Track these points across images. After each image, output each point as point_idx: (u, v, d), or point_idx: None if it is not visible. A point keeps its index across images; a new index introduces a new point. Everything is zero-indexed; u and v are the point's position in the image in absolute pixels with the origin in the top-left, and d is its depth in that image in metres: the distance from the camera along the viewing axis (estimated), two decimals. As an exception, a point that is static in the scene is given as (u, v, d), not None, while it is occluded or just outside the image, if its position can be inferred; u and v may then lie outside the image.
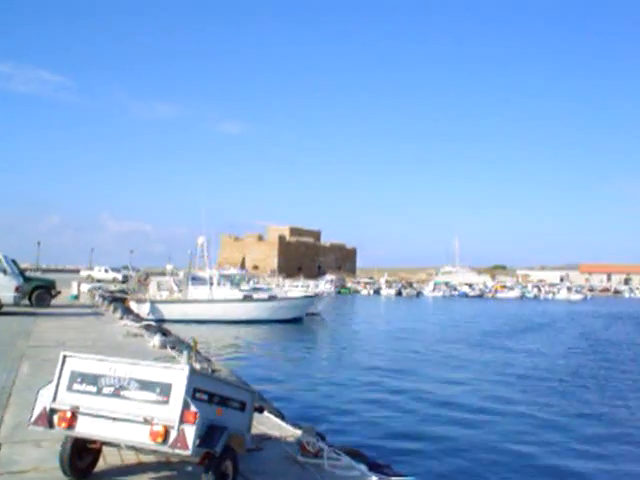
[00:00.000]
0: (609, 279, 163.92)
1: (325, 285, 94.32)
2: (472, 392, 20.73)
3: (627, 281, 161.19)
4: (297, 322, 44.52)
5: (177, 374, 6.56)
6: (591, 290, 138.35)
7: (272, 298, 45.67)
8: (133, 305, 40.04)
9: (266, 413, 11.74)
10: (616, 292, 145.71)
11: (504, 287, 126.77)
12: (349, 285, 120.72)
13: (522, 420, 16.80)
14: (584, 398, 20.24)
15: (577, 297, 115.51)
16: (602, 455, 13.97)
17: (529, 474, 12.48)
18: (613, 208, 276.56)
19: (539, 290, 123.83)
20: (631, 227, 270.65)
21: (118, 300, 40.17)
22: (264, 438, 10.12)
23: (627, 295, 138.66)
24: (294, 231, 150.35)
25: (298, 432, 10.22)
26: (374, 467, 10.23)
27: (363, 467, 9.37)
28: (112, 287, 55.42)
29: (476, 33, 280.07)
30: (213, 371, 14.49)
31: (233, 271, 49.72)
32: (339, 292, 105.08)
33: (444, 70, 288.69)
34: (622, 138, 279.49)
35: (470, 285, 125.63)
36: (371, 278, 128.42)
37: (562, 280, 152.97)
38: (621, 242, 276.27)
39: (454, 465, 12.71)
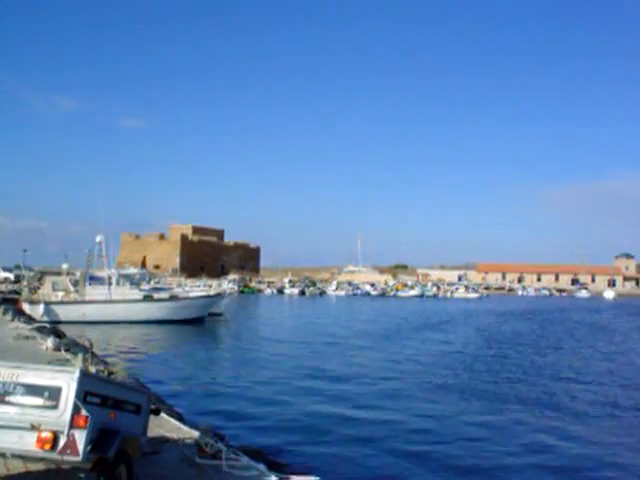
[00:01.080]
0: (504, 278, 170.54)
1: (228, 284, 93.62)
2: (371, 389, 21.08)
3: (520, 280, 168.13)
4: (199, 322, 43.99)
5: (67, 377, 6.33)
6: (487, 288, 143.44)
7: (173, 298, 44.97)
8: (26, 306, 38.49)
9: (164, 415, 11.55)
10: (510, 290, 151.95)
11: (405, 286, 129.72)
12: (252, 284, 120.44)
13: (417, 414, 17.21)
14: (479, 389, 20.98)
15: (474, 295, 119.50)
16: (495, 441, 14.52)
17: (423, 466, 12.78)
18: (508, 210, 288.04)
19: (438, 289, 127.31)
20: (524, 229, 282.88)
21: (9, 301, 38.54)
22: (161, 441, 9.95)
23: (520, 293, 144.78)
24: (197, 230, 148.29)
25: (196, 433, 10.10)
26: (273, 466, 10.24)
27: (262, 466, 9.36)
28: (3, 288, 53.12)
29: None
30: (110, 373, 14.11)
31: (133, 270, 48.42)
32: (242, 291, 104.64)
33: (338, 68, 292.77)
34: (519, 143, 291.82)
35: (372, 284, 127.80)
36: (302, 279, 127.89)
37: (460, 279, 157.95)
38: (515, 243, 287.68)
39: (354, 462, 12.85)
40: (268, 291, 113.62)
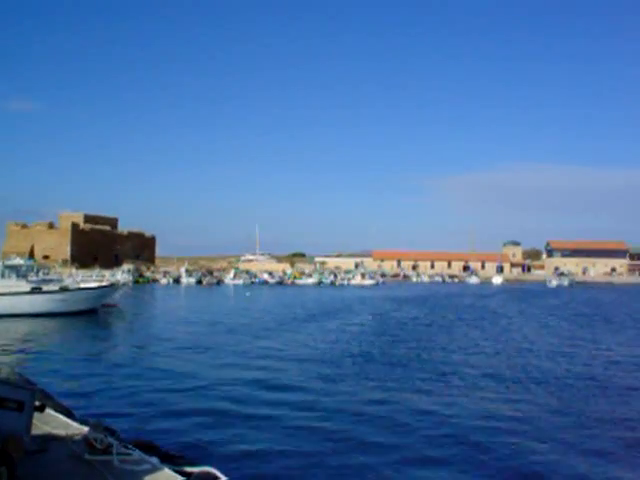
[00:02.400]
0: (399, 265, 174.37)
1: (122, 275, 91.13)
2: (263, 377, 21.09)
3: (415, 267, 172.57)
4: (91, 314, 42.66)
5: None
6: (383, 276, 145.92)
7: (64, 290, 43.36)
8: None
9: (52, 412, 11.13)
10: (405, 277, 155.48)
11: (303, 274, 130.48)
12: (147, 274, 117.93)
13: (308, 399, 17.41)
14: (373, 372, 21.43)
15: (370, 282, 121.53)
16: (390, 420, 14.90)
17: (309, 451, 12.94)
18: (403, 199, 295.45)
19: (335, 276, 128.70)
20: (418, 217, 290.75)
21: None
22: (48, 438, 9.57)
23: (415, 280, 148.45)
24: (89, 218, 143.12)
25: (85, 429, 9.78)
26: (167, 458, 10.06)
27: (155, 460, 9.19)
28: None
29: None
30: (-8, 370, 13.45)
31: (19, 261, 46.25)
32: (137, 282, 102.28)
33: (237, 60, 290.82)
34: (414, 135, 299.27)
35: (270, 273, 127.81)
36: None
37: (357, 266, 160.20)
38: (410, 231, 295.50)
39: (248, 450, 12.83)
40: (164, 281, 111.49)
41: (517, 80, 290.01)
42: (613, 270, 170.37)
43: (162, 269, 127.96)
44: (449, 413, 16.30)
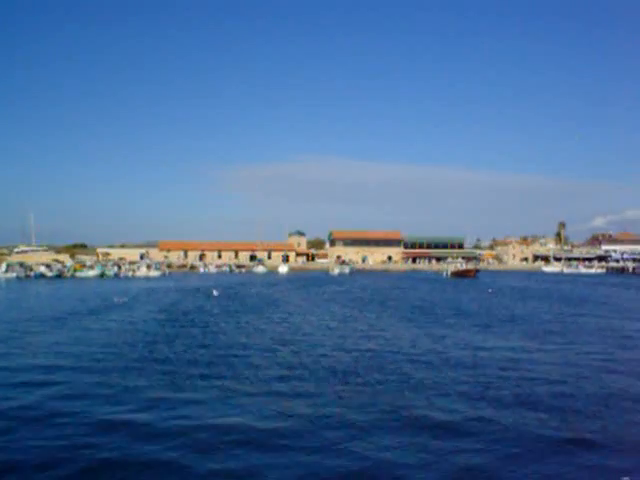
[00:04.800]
0: (186, 256, 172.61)
1: None
2: (49, 382, 19.79)
3: (202, 257, 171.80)
4: None
5: None
6: (170, 266, 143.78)
7: None
8: None
9: None
10: (192, 267, 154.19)
11: (84, 266, 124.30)
12: None
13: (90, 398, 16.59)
14: (148, 371, 20.89)
15: (156, 274, 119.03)
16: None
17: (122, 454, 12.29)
18: (189, 190, 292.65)
19: (120, 268, 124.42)
20: (205, 208, 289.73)
21: None
22: None
23: (202, 270, 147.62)
24: None
25: None
26: None
27: None
28: None
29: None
30: None
31: None
32: None
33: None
34: (202, 126, 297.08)
35: (48, 265, 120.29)
36: None
37: (142, 257, 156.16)
38: (197, 221, 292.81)
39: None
40: None
41: (310, 74, 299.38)
42: (389, 258, 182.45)
43: None
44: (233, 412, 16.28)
